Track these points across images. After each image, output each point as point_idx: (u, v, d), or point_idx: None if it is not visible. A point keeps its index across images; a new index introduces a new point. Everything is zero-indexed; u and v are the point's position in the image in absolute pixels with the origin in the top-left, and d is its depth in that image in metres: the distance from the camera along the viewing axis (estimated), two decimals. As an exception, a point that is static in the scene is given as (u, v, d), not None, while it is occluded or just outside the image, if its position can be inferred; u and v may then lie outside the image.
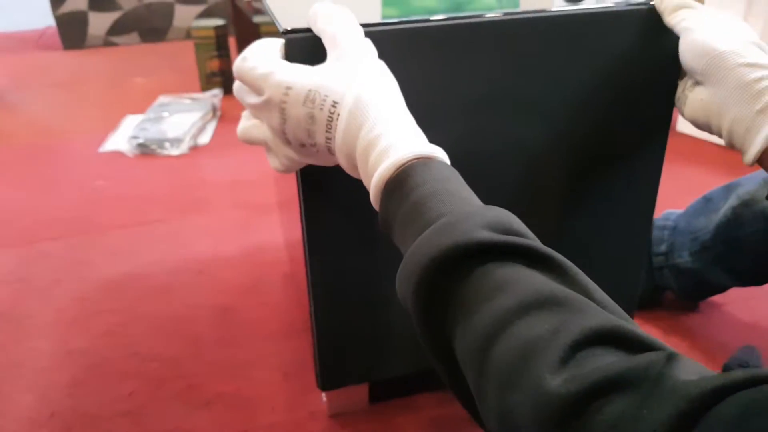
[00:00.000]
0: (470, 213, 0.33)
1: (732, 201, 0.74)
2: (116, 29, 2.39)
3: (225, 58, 1.82)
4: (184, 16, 2.44)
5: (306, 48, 0.48)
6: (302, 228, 0.59)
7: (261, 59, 0.45)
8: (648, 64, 0.58)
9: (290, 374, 0.78)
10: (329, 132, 0.42)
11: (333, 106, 0.41)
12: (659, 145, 0.65)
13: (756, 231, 0.72)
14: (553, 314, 0.27)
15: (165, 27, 2.45)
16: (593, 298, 0.29)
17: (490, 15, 0.53)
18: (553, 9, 0.55)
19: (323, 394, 0.73)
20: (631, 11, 0.56)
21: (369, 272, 0.62)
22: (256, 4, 0.80)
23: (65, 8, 2.31)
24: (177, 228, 1.12)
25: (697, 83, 0.52)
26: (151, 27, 2.43)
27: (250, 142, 0.49)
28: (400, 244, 0.37)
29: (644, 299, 0.85)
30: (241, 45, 2.16)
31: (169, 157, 1.42)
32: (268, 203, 1.16)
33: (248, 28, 2.15)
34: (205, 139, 1.51)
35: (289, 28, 0.50)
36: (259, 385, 0.76)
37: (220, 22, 1.80)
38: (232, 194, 1.23)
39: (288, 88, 0.42)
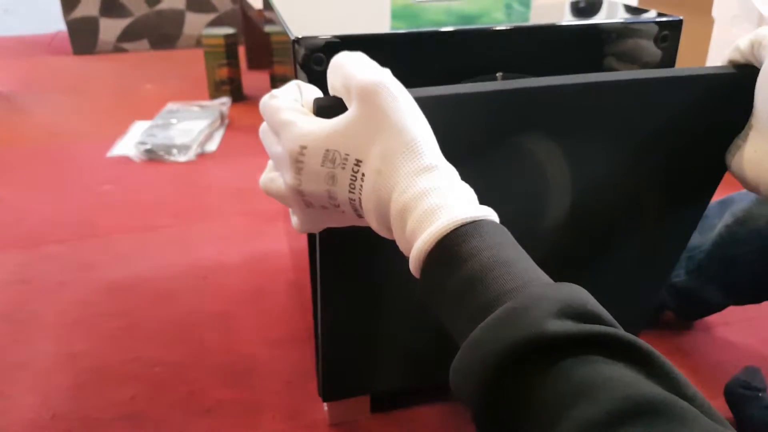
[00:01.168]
0: (538, 296, 0.28)
1: (727, 219, 0.74)
2: (127, 35, 2.42)
3: (234, 66, 1.84)
4: (195, 23, 2.47)
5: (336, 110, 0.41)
6: (310, 238, 0.60)
7: (287, 103, 0.39)
8: (712, 125, 0.52)
9: (292, 383, 0.78)
10: (353, 192, 0.37)
11: (356, 164, 0.36)
12: (706, 198, 0.60)
13: (752, 250, 0.72)
14: (651, 428, 0.23)
15: (175, 34, 2.47)
16: (686, 395, 0.26)
17: (549, 81, 0.47)
18: (621, 73, 0.48)
19: (325, 404, 0.72)
20: (712, 75, 0.48)
21: (376, 284, 0.62)
22: (267, 14, 0.81)
23: (77, 13, 2.34)
24: (182, 234, 1.13)
25: (756, 132, 0.46)
26: (161, 34, 2.45)
27: (272, 196, 0.43)
28: (449, 322, 0.33)
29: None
30: (251, 54, 2.19)
31: (177, 163, 1.42)
32: (273, 211, 1.17)
33: (258, 38, 2.17)
34: (212, 146, 1.52)
35: (300, 36, 0.51)
36: (261, 392, 0.76)
37: (230, 30, 1.82)
38: (238, 201, 1.24)
39: (303, 147, 0.37)
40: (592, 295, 0.30)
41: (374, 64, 0.39)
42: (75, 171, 1.40)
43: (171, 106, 1.72)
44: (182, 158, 1.43)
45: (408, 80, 0.55)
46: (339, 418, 0.72)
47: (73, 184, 1.33)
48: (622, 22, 0.58)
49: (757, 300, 0.76)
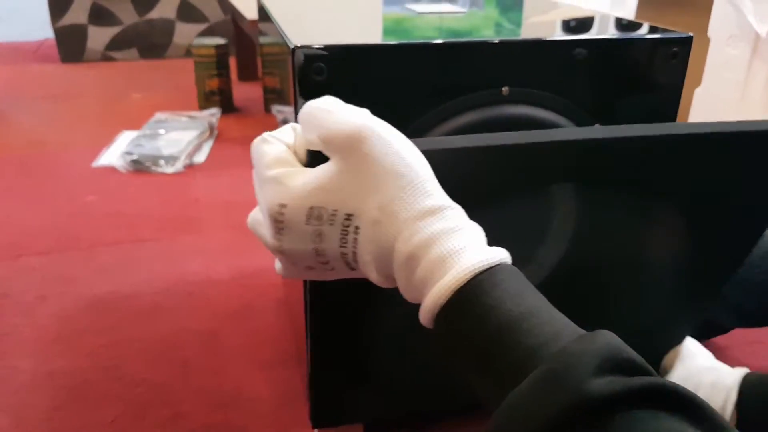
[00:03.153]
0: (575, 353, 0.27)
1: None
2: (115, 44, 2.39)
3: (224, 77, 1.82)
4: (185, 33, 2.44)
5: None
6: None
7: (275, 151, 0.36)
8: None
9: (281, 406, 0.74)
10: (345, 247, 0.34)
11: (347, 219, 0.33)
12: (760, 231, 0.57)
13: (764, 272, 0.71)
14: None
15: (165, 44, 2.44)
16: None
17: (582, 134, 0.43)
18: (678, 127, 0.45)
19: (315, 431, 0.69)
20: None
21: (371, 307, 0.60)
22: (261, 25, 0.79)
23: (65, 21, 2.30)
24: (168, 247, 1.09)
25: None
26: (151, 43, 2.43)
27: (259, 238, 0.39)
28: (473, 376, 0.31)
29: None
30: (242, 65, 2.17)
31: (164, 174, 1.39)
32: (263, 225, 1.14)
33: (249, 49, 2.15)
34: (200, 158, 1.49)
35: (299, 44, 0.48)
36: (248, 416, 0.73)
37: (221, 41, 1.80)
38: (226, 215, 1.21)
39: (282, 205, 0.33)
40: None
41: (350, 106, 0.35)
42: (59, 181, 1.36)
43: (159, 116, 1.69)
44: (170, 169, 1.40)
45: (411, 92, 0.53)
46: (330, 445, 0.69)
47: (56, 194, 1.29)
48: (632, 38, 0.57)
49: (766, 323, 0.75)
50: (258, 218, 0.38)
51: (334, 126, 0.33)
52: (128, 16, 2.36)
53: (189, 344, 0.85)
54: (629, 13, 1.47)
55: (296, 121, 0.51)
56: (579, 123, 0.57)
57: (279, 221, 0.34)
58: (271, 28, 0.64)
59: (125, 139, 1.55)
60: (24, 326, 0.88)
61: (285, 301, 0.93)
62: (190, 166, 1.44)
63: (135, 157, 1.41)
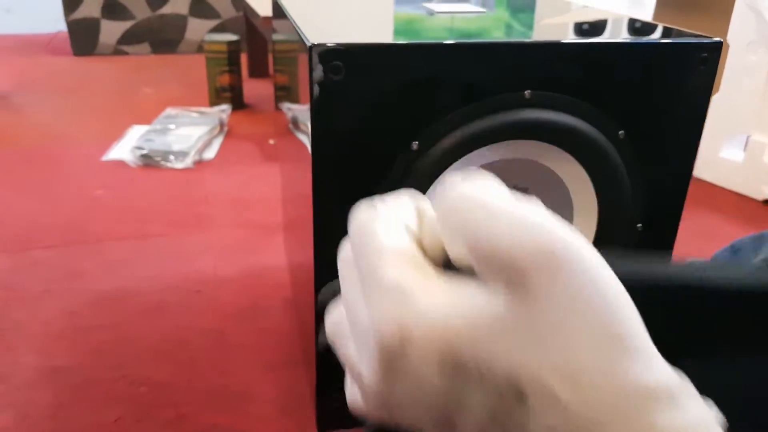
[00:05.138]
0: None
1: (765, 253, 0.71)
2: (127, 38, 2.39)
3: (236, 73, 1.81)
4: (197, 29, 2.44)
5: None
6: (314, 251, 0.56)
7: (396, 238, 0.22)
8: None
9: (287, 408, 0.73)
10: (497, 425, 0.20)
11: (509, 384, 0.20)
12: None
13: None
14: None
15: (177, 39, 2.44)
16: None
17: None
18: None
19: (322, 434, 0.68)
20: None
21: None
22: (275, 22, 0.78)
23: (78, 14, 2.30)
24: (176, 244, 1.08)
25: None
26: (163, 38, 2.42)
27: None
28: None
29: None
30: (253, 62, 2.16)
31: (173, 170, 1.38)
32: (271, 223, 1.13)
33: (261, 45, 2.14)
34: (210, 154, 1.48)
35: (316, 42, 0.47)
36: (254, 419, 0.71)
37: (233, 37, 1.79)
38: (235, 212, 1.20)
39: (404, 330, 0.20)
40: None
41: (520, 203, 0.20)
42: (68, 174, 1.36)
43: (170, 111, 1.68)
44: (179, 165, 1.39)
45: (430, 95, 0.52)
46: (336, 450, 0.67)
47: (65, 188, 1.29)
48: (661, 43, 0.55)
49: None
50: (344, 329, 0.23)
51: (502, 237, 0.20)
52: (141, 10, 2.36)
53: (194, 343, 0.83)
54: (647, 16, 1.45)
55: (312, 113, 0.49)
56: (603, 129, 0.56)
57: (393, 357, 0.20)
58: (286, 25, 0.63)
59: (135, 134, 1.54)
60: (29, 321, 0.87)
61: (293, 301, 0.91)
62: (200, 162, 1.43)
63: (145, 151, 1.40)
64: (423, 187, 0.54)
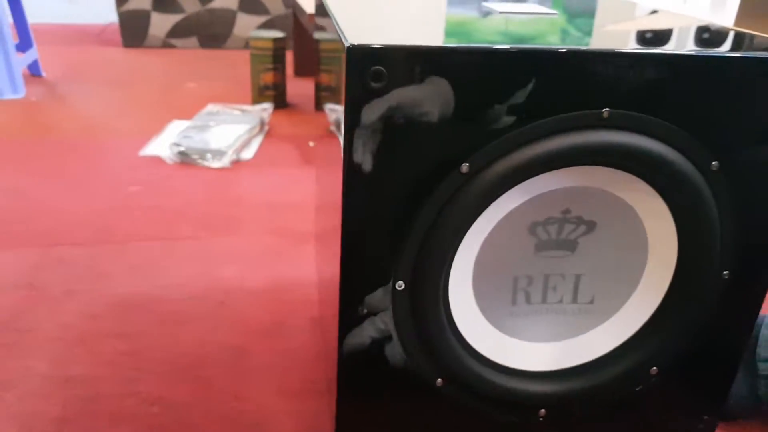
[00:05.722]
0: None
1: None
2: (176, 32, 2.38)
3: (280, 72, 1.76)
4: (246, 24, 2.41)
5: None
6: (341, 273, 0.49)
7: None
8: None
9: (305, 444, 0.66)
10: None
11: None
12: None
13: None
14: None
15: (225, 34, 2.42)
16: None
17: None
18: None
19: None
20: None
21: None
22: (318, 19, 0.71)
23: (129, 6, 2.31)
24: (205, 248, 1.03)
25: None
26: (211, 33, 2.41)
27: None
28: None
29: (742, 410, 0.71)
30: (299, 60, 2.11)
31: (209, 169, 1.34)
32: (306, 231, 1.06)
33: (307, 44, 2.09)
34: (249, 154, 1.43)
35: (356, 43, 0.40)
36: (269, 453, 0.65)
37: (279, 34, 1.74)
38: (268, 217, 1.14)
39: None
40: None
41: None
42: (104, 168, 1.33)
43: (211, 107, 1.65)
44: (216, 164, 1.35)
45: (488, 108, 0.44)
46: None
47: (99, 182, 1.26)
48: (759, 57, 0.46)
49: None
50: None
51: None
52: (191, 4, 2.35)
53: (213, 361, 0.78)
54: (728, 21, 1.32)
55: (346, 123, 0.42)
56: (693, 159, 0.47)
57: None
58: (328, 23, 0.56)
59: (175, 129, 1.51)
60: (47, 324, 0.83)
61: (319, 322, 0.85)
62: (237, 162, 1.39)
63: (182, 148, 1.36)
64: (470, 215, 0.47)
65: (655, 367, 0.56)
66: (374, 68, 0.40)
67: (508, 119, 0.44)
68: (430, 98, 0.42)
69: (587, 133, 0.44)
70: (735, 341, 0.58)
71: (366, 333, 0.51)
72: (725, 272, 0.52)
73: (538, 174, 0.46)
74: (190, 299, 0.90)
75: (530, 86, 0.43)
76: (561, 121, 0.44)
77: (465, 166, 0.45)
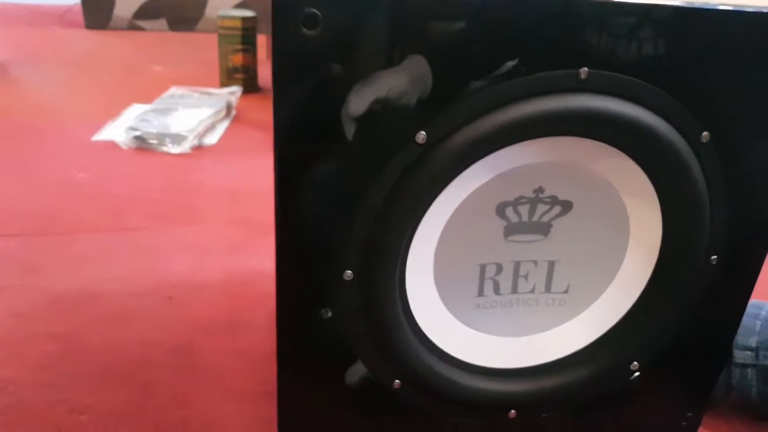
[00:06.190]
0: None
1: None
2: (144, 13, 2.28)
3: (251, 53, 1.68)
4: (219, 6, 2.31)
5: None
6: (276, 265, 0.42)
7: None
8: None
9: (253, 455, 0.59)
10: None
11: None
12: None
13: None
14: None
15: (196, 16, 2.32)
16: None
17: None
18: None
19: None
20: None
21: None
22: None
23: (93, -14, 2.20)
24: (157, 239, 0.95)
25: None
26: (181, 15, 2.31)
27: None
28: None
29: (716, 401, 0.65)
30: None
31: (168, 155, 1.26)
32: (269, 222, 0.99)
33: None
34: (212, 139, 1.35)
35: None
36: (210, 467, 0.58)
37: (249, 13, 1.66)
38: (230, 206, 1.07)
39: None
40: None
41: None
42: (52, 153, 1.24)
43: (174, 90, 1.56)
44: (175, 150, 1.26)
45: (449, 65, 0.37)
46: None
47: (44, 168, 1.17)
48: (760, 12, 0.39)
49: None
50: None
51: None
52: (158, -16, 2.25)
53: (156, 363, 0.70)
54: None
55: (274, 82, 0.36)
56: (682, 130, 0.40)
57: None
58: None
59: (133, 113, 1.42)
60: (-29, 322, 0.75)
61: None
62: (199, 148, 1.30)
63: (138, 133, 1.27)
64: (428, 193, 0.40)
65: (635, 363, 0.50)
66: (307, 11, 0.33)
67: (471, 80, 0.37)
68: (378, 49, 0.35)
69: (563, 98, 0.37)
70: (722, 333, 0.53)
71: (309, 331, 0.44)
72: (713, 257, 0.46)
73: (506, 146, 0.39)
74: (135, 295, 0.82)
75: (495, 40, 0.36)
76: (532, 82, 0.37)
77: (421, 136, 0.38)
